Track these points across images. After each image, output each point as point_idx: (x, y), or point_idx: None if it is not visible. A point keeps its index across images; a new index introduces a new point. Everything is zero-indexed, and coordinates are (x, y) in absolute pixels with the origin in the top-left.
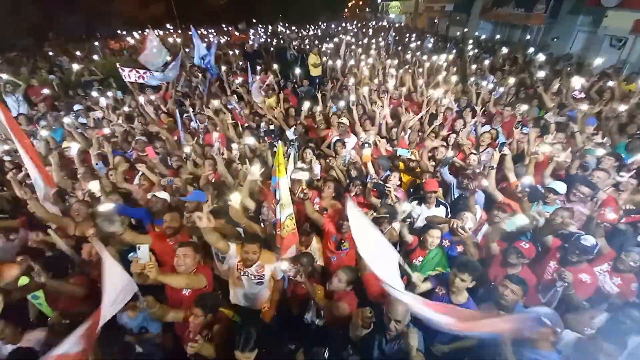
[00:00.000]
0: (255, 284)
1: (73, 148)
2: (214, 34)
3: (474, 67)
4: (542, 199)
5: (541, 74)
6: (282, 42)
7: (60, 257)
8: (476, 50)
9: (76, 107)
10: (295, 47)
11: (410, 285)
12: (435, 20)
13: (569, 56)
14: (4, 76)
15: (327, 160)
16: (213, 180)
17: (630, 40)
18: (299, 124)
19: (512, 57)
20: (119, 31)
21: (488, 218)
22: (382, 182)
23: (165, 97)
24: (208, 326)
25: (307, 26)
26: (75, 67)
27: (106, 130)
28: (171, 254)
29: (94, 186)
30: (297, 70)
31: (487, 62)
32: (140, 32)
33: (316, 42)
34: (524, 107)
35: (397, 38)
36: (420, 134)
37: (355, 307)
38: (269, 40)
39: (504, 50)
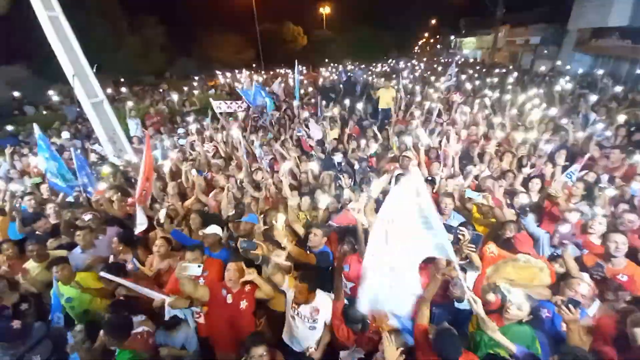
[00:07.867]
0: (308, 329)
1: (165, 166)
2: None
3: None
4: None
5: None
6: (350, 79)
7: None
8: (571, 85)
9: (180, 130)
10: (363, 83)
11: None
12: (517, 55)
13: None
14: (130, 104)
15: None
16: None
17: None
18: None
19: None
20: (217, 72)
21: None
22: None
23: (244, 125)
24: None
25: (375, 64)
26: (175, 97)
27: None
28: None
29: (161, 214)
30: (361, 105)
31: (591, 97)
32: (231, 72)
33: (383, 79)
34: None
35: (472, 74)
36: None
37: None
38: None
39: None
